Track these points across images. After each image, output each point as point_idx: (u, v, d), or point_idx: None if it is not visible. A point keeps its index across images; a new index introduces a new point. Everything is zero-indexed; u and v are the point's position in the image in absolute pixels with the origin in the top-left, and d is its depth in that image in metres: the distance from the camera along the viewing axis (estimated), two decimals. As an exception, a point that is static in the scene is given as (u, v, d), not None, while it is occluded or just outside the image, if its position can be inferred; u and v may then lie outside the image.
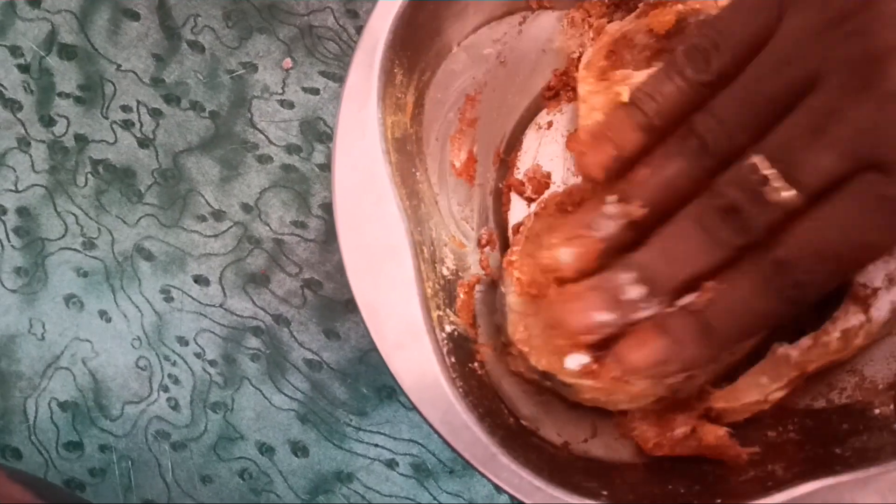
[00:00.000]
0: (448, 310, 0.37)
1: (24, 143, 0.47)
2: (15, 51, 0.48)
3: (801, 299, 0.29)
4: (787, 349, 0.35)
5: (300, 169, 0.47)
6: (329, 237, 0.46)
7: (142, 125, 0.47)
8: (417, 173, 0.39)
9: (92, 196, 0.47)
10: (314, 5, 0.47)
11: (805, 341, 0.35)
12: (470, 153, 0.40)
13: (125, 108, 0.47)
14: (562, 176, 0.41)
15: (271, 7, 0.47)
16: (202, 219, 0.47)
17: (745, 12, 0.30)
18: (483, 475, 0.33)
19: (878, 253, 0.29)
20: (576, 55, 0.40)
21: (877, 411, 0.37)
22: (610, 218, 0.32)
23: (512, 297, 0.36)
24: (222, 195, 0.47)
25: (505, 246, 0.40)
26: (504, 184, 0.41)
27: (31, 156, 0.47)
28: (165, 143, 0.47)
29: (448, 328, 0.37)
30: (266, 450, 0.45)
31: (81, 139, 0.47)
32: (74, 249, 0.47)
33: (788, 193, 0.27)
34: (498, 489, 0.44)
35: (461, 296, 0.38)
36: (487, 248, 0.40)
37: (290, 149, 0.47)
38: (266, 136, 0.47)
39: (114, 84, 0.47)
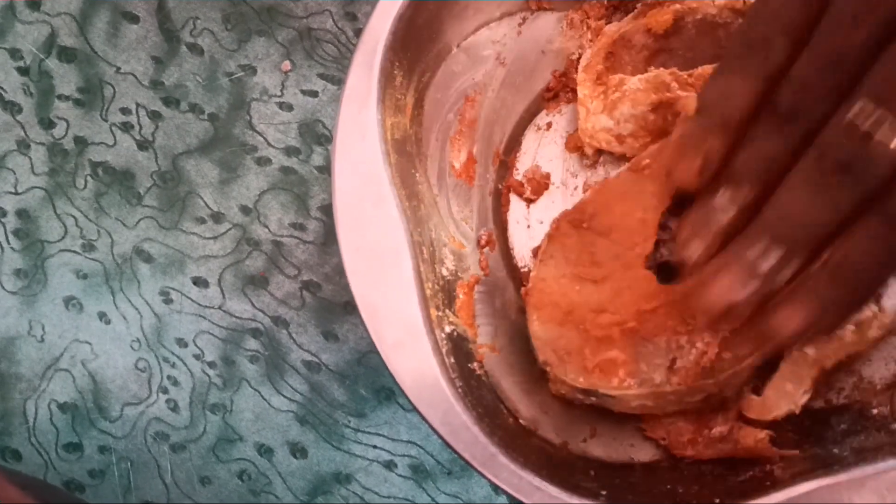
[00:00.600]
0: (447, 310, 0.37)
1: (23, 146, 0.47)
2: (14, 53, 0.48)
3: None
4: (803, 348, 0.35)
5: (299, 171, 0.47)
6: (328, 239, 0.46)
7: (141, 127, 0.47)
8: (417, 174, 0.39)
9: (91, 198, 0.47)
10: (313, 8, 0.48)
11: (820, 337, 0.35)
12: (469, 154, 0.41)
13: (124, 111, 0.47)
14: (561, 177, 0.41)
15: (270, 10, 0.48)
16: (201, 221, 0.47)
17: None
18: (482, 475, 0.33)
19: None
20: (575, 56, 0.41)
21: (874, 411, 0.37)
22: (723, 210, 0.32)
23: (535, 325, 0.36)
24: (221, 197, 0.47)
25: (505, 247, 0.40)
26: (503, 184, 0.41)
27: (30, 158, 0.47)
28: (164, 146, 0.47)
29: (447, 328, 0.37)
30: (265, 451, 0.46)
31: (81, 141, 0.47)
32: (74, 251, 0.47)
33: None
34: (496, 490, 0.45)
35: (461, 296, 0.38)
36: (487, 249, 0.40)
37: (289, 151, 0.47)
38: (265, 139, 0.47)
39: (113, 87, 0.47)
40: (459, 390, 0.34)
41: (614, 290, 0.36)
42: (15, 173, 0.47)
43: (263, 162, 0.47)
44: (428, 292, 0.36)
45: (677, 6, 0.38)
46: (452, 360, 0.35)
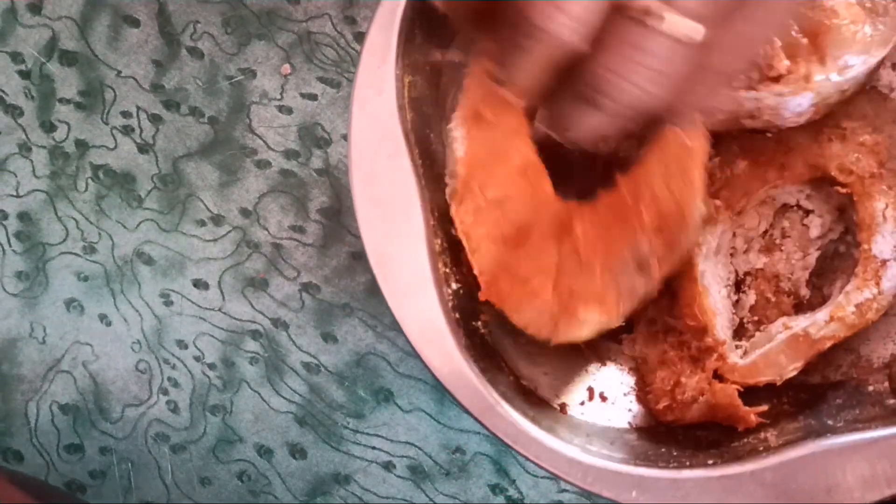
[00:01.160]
0: (455, 268, 0.38)
1: (25, 149, 0.48)
2: (16, 57, 0.48)
3: None
4: (804, 328, 0.36)
5: (298, 174, 0.47)
6: (327, 241, 0.47)
7: (142, 131, 0.48)
8: (432, 135, 0.39)
9: (92, 201, 0.47)
10: (312, 12, 0.48)
11: (821, 317, 0.36)
12: None
13: (125, 114, 0.48)
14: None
15: (270, 13, 0.48)
16: (201, 223, 0.47)
17: None
18: (481, 423, 0.34)
19: None
20: None
21: (870, 388, 0.37)
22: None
23: (516, 318, 0.37)
24: (221, 200, 0.47)
25: None
26: None
27: (31, 161, 0.48)
28: (165, 149, 0.47)
29: (454, 285, 0.37)
30: (264, 452, 0.46)
31: (82, 144, 0.48)
32: (75, 254, 0.47)
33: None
34: (494, 490, 0.45)
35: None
36: None
37: (289, 154, 0.47)
38: (265, 142, 0.47)
39: (114, 90, 0.48)
40: (463, 342, 0.35)
41: (546, 235, 0.36)
42: (16, 176, 0.48)
43: (263, 165, 0.47)
44: (437, 248, 0.36)
45: None
46: (458, 315, 0.36)
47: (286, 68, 0.48)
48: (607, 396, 0.40)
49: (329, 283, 0.47)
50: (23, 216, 0.47)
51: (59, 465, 0.46)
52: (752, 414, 0.36)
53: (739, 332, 0.40)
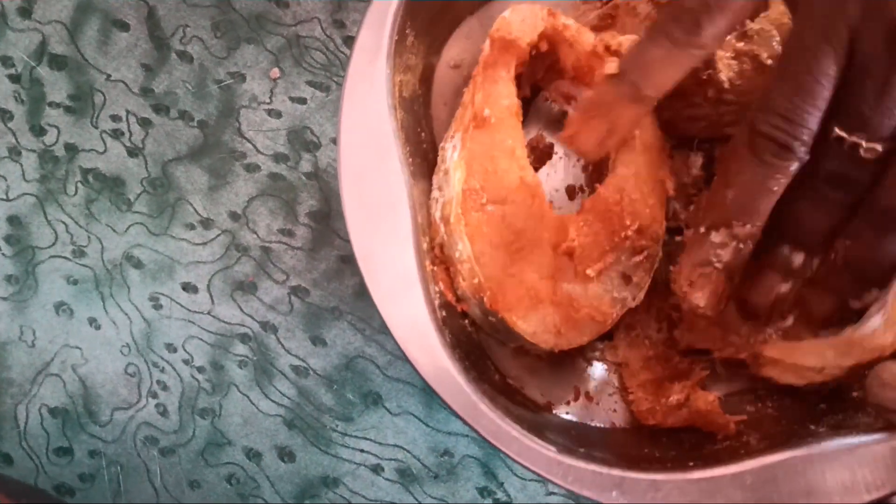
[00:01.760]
0: (441, 266, 0.38)
1: (14, 153, 0.48)
2: (6, 61, 0.48)
3: None
4: (861, 333, 0.35)
5: (287, 178, 0.47)
6: (316, 245, 0.47)
7: (131, 134, 0.48)
8: (423, 134, 0.39)
9: (82, 205, 0.47)
10: (302, 16, 0.48)
11: (876, 321, 0.35)
12: None
13: (115, 118, 0.48)
14: (565, 149, 0.41)
15: (259, 17, 0.48)
16: (190, 227, 0.47)
17: None
18: (464, 421, 0.34)
19: None
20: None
21: (855, 394, 0.37)
22: (721, 246, 0.33)
23: (520, 325, 0.37)
24: (210, 204, 0.47)
25: None
26: None
27: (21, 165, 0.48)
28: (154, 153, 0.48)
29: (441, 284, 0.37)
30: (253, 455, 0.46)
31: (71, 148, 0.48)
32: (64, 257, 0.47)
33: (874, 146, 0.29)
34: (482, 493, 0.45)
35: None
36: None
37: (278, 158, 0.47)
38: (254, 146, 0.47)
39: (103, 94, 0.48)
40: (448, 340, 0.35)
41: (544, 242, 0.37)
42: (6, 180, 0.48)
43: (252, 168, 0.47)
44: (424, 246, 0.36)
45: None
46: (444, 313, 0.36)
47: (275, 72, 0.48)
48: (593, 396, 0.40)
49: (318, 287, 0.47)
50: (12, 220, 0.47)
51: (48, 469, 0.46)
52: (732, 422, 0.36)
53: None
